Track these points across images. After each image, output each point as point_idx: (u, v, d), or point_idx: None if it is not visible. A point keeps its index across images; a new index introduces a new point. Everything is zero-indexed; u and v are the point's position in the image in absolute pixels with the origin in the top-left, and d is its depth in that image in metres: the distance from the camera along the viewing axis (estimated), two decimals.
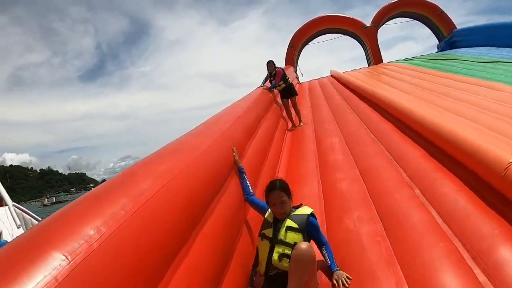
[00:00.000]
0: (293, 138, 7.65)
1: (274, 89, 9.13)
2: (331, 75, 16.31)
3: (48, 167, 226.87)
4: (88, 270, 1.49)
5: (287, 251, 2.83)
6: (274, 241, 2.94)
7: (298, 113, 8.85)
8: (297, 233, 2.91)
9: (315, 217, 3.10)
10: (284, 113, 9.18)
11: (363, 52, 23.04)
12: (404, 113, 6.23)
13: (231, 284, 2.71)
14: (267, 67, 9.31)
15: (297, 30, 22.67)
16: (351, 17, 22.98)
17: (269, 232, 3.02)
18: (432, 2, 22.42)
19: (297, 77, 19.39)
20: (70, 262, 1.45)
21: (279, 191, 3.01)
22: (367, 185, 4.42)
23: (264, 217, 3.21)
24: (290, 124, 8.79)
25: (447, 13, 22.08)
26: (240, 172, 3.80)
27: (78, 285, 1.43)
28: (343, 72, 16.17)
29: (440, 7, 22.20)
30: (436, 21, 22.35)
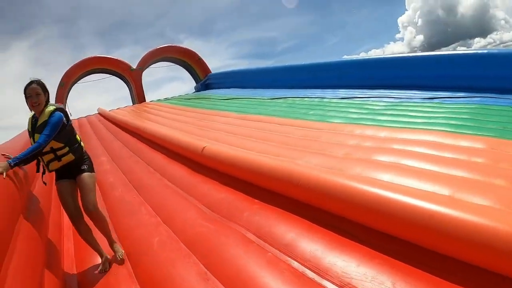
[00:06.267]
0: None
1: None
2: (99, 113, 18.30)
3: None
4: None
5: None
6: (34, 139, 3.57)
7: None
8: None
9: (59, 115, 3.60)
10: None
11: (129, 92, 25.92)
12: (155, 135, 8.89)
13: None
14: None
15: (68, 68, 23.87)
16: (119, 59, 25.36)
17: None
18: (192, 50, 27.10)
19: None
20: None
21: (36, 84, 3.55)
22: (132, 182, 6.46)
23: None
24: None
25: (209, 59, 26.89)
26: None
27: None
28: (110, 110, 18.37)
29: (199, 55, 26.97)
30: (195, 66, 26.93)
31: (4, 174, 3.04)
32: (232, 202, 4.45)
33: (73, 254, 4.22)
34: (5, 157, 3.53)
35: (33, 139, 3.59)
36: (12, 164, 3.17)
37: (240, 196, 4.56)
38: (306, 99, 11.59)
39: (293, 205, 3.89)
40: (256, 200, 4.29)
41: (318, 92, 12.67)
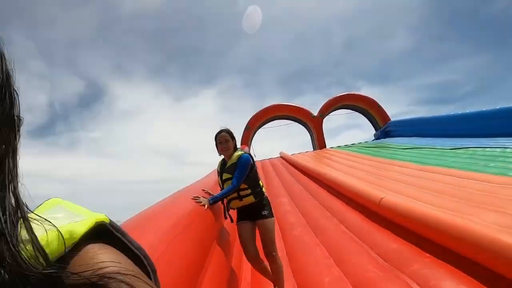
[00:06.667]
0: None
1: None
2: (281, 156, 19.73)
3: None
4: None
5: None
6: (223, 181, 4.15)
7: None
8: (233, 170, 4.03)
9: (247, 157, 4.09)
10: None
11: (310, 137, 27.26)
12: (335, 182, 9.43)
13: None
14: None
15: (254, 114, 26.55)
16: (301, 106, 27.24)
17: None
18: (371, 98, 27.53)
19: None
20: None
21: (225, 133, 4.12)
22: (310, 224, 7.25)
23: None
24: None
25: (387, 105, 27.05)
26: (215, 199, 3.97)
27: None
28: (291, 154, 19.70)
29: (378, 103, 27.18)
30: (374, 114, 27.20)
31: (206, 206, 3.77)
32: (403, 252, 4.70)
33: (249, 281, 4.92)
34: (204, 192, 4.28)
35: (221, 178, 4.19)
36: (211, 202, 3.90)
37: (412, 248, 4.77)
38: (487, 149, 11.00)
39: (464, 262, 3.98)
40: (427, 254, 4.47)
41: (501, 141, 11.99)
